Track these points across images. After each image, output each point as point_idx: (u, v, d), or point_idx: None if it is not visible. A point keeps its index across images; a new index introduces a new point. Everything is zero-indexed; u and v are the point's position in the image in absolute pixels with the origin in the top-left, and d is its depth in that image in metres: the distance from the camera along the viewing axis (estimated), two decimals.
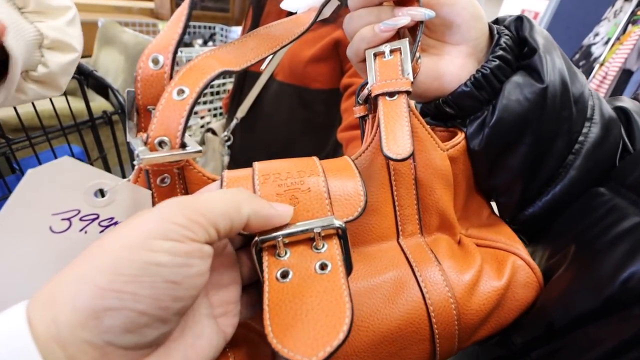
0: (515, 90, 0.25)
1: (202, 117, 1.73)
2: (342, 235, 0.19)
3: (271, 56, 0.25)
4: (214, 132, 0.94)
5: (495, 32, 0.27)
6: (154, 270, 0.13)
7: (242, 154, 0.87)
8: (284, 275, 0.18)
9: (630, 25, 1.98)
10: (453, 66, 0.27)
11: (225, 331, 0.18)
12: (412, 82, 0.24)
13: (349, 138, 0.68)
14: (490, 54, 0.26)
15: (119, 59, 1.67)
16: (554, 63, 0.25)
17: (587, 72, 2.14)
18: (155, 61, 0.19)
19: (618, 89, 1.98)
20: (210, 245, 0.15)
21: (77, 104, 0.65)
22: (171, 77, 0.19)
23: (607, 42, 2.08)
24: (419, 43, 0.25)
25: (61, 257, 0.18)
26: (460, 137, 0.27)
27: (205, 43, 2.14)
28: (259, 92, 0.82)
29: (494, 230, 0.28)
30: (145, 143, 0.18)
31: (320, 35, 0.73)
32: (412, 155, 0.22)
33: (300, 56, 0.74)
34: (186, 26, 0.19)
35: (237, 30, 2.17)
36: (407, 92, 0.23)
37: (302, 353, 0.15)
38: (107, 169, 0.68)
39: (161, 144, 0.18)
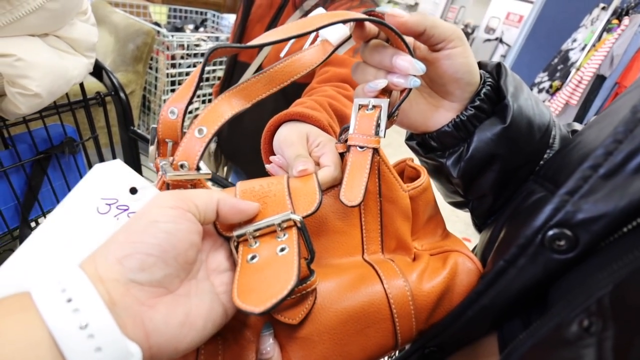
0: (485, 132, 0.31)
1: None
2: (300, 226, 0.24)
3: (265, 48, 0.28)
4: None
5: (480, 82, 0.31)
6: (154, 225, 0.20)
7: (229, 141, 0.88)
8: (253, 257, 0.23)
9: (605, 33, 2.08)
10: (443, 118, 0.32)
11: (227, 306, 0.22)
12: (380, 140, 0.28)
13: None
14: (470, 104, 0.31)
15: (109, 40, 1.64)
16: (521, 108, 0.30)
17: (565, 75, 2.24)
18: (173, 112, 0.25)
19: (592, 93, 2.08)
20: (191, 215, 0.21)
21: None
22: (182, 124, 0.25)
23: (583, 48, 2.18)
24: (400, 104, 0.29)
25: (99, 234, 0.24)
26: (422, 179, 0.32)
27: (196, 28, 2.11)
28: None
29: (444, 242, 0.33)
30: (171, 164, 0.25)
31: None
32: (380, 193, 0.29)
33: (288, 49, 0.76)
34: (197, 88, 0.25)
35: (228, 18, 2.15)
36: (375, 149, 0.28)
37: (253, 305, 0.20)
38: (98, 148, 0.69)
39: (182, 166, 0.25)
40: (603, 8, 2.20)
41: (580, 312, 0.18)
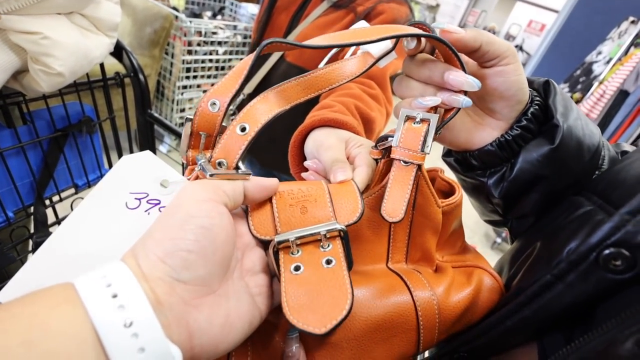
0: (531, 152, 0.29)
1: (204, 91, 1.71)
2: (343, 236, 0.24)
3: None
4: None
5: (529, 100, 0.30)
6: (190, 220, 0.19)
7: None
8: (297, 268, 0.23)
9: (632, 48, 2.02)
10: (488, 136, 0.31)
11: (261, 308, 0.22)
12: (425, 156, 0.28)
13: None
14: (516, 123, 0.30)
15: (126, 22, 1.63)
16: (570, 128, 0.29)
17: (586, 88, 2.19)
18: (213, 105, 0.24)
19: (613, 108, 2.04)
20: (224, 206, 0.21)
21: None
22: (223, 119, 0.24)
23: (608, 62, 2.13)
24: (447, 122, 0.28)
25: (129, 230, 0.23)
26: (457, 196, 0.32)
27: (214, 16, 2.10)
28: (268, 70, 0.82)
29: (464, 255, 0.34)
30: (208, 161, 0.24)
31: (332, 20, 0.74)
32: (414, 205, 0.29)
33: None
34: (246, 81, 0.24)
35: (246, 7, 2.14)
36: (419, 165, 0.28)
37: (314, 325, 0.20)
38: (115, 130, 0.68)
39: (220, 164, 0.24)
40: (632, 22, 2.14)
41: (637, 331, 0.18)
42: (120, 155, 0.75)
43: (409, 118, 0.28)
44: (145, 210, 0.23)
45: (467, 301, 0.28)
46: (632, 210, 0.21)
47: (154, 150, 0.81)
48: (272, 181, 0.25)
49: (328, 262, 0.23)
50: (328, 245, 0.24)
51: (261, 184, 0.24)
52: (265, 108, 0.25)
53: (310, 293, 0.22)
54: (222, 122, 0.24)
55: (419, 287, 0.27)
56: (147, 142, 0.78)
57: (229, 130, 0.24)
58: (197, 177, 0.24)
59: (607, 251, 0.21)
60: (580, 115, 0.31)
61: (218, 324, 0.19)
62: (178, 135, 0.74)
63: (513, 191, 0.31)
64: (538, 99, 0.30)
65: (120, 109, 0.69)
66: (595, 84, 2.14)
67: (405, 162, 0.28)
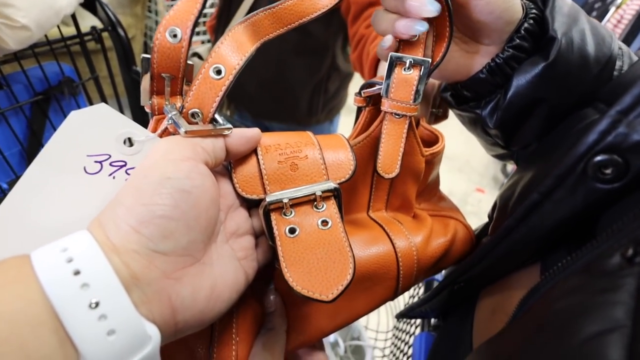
0: (525, 74, 0.26)
1: (194, 54, 1.64)
2: (337, 195, 0.23)
3: None
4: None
5: (522, 15, 0.26)
6: (167, 183, 0.16)
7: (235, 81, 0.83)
8: (292, 231, 0.21)
9: None
10: (479, 64, 0.28)
11: (247, 272, 0.21)
12: (418, 107, 0.26)
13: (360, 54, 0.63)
14: (507, 43, 0.26)
15: None
16: (571, 39, 0.25)
17: (602, 14, 2.03)
18: (173, 35, 0.20)
19: (631, 34, 1.90)
20: (204, 165, 0.19)
21: (69, 29, 0.60)
22: (188, 50, 0.20)
23: None
24: (439, 64, 0.26)
25: (91, 197, 0.19)
26: (439, 145, 0.31)
27: None
28: (247, 10, 0.75)
29: (440, 204, 0.35)
30: (180, 112, 0.20)
31: None
32: None
33: None
34: (205, 2, 0.19)
35: None
36: (411, 117, 0.26)
37: (320, 292, 0.20)
38: (100, 90, 0.65)
39: (194, 115, 0.20)
40: None
41: (626, 242, 0.16)
42: None
43: (398, 63, 0.26)
44: (110, 175, 0.20)
45: (443, 250, 0.29)
46: (623, 109, 0.18)
47: (146, 114, 0.78)
48: (255, 131, 0.22)
49: (324, 223, 0.22)
50: (322, 206, 0.22)
51: (244, 135, 0.21)
52: (236, 46, 0.21)
53: (310, 257, 0.21)
54: (187, 57, 0.20)
55: (399, 237, 0.27)
56: (137, 102, 0.74)
57: (202, 75, 0.20)
58: (167, 132, 0.21)
59: (596, 159, 0.19)
60: (588, 23, 0.27)
61: (203, 297, 0.17)
62: None
63: (509, 119, 0.28)
64: (534, 12, 0.26)
65: (107, 75, 0.64)
66: (612, 9, 1.98)
67: (397, 114, 0.26)
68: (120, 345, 0.13)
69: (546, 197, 0.21)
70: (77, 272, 0.13)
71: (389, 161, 0.26)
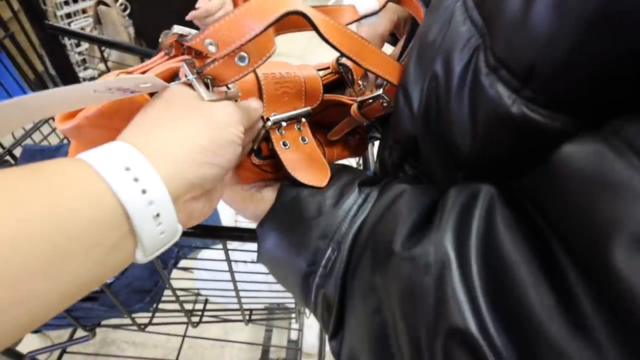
0: None
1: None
2: (307, 116, 0.29)
3: None
4: (104, 4, 0.83)
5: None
6: (231, 145, 0.20)
7: (147, 23, 0.82)
8: (285, 144, 0.28)
9: None
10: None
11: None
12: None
13: None
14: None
15: None
16: None
17: None
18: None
19: None
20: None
21: None
22: None
23: None
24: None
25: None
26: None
27: None
28: None
29: None
30: (199, 74, 0.21)
31: None
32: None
33: None
34: None
35: None
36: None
37: (315, 182, 0.27)
38: (20, 49, 0.66)
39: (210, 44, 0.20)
40: None
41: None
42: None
43: None
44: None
45: None
46: None
47: (73, 73, 0.72)
48: (257, 103, 0.26)
49: (303, 139, 0.29)
50: (301, 127, 0.29)
51: (249, 107, 0.25)
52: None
53: (300, 163, 0.27)
54: None
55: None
56: (60, 60, 0.68)
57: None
58: (171, 74, 0.22)
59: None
60: None
61: (214, 206, 0.22)
62: (92, 41, 0.65)
63: None
64: None
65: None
66: None
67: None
68: (164, 238, 0.17)
69: None
70: (144, 191, 0.15)
71: None
